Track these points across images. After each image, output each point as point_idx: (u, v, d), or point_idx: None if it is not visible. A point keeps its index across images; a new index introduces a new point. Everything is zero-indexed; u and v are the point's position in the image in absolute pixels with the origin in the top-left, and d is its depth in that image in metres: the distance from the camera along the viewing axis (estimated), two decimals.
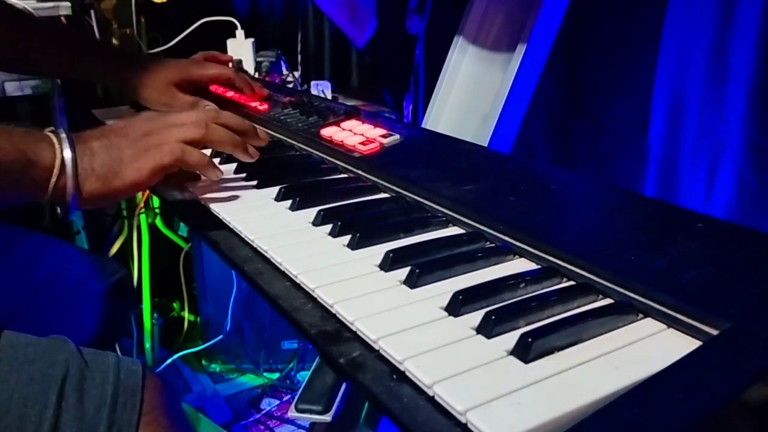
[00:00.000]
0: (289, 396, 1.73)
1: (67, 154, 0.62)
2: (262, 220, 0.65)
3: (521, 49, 0.97)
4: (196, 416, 1.65)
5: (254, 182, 0.75)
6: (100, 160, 0.64)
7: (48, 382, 0.62)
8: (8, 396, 0.60)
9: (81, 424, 0.61)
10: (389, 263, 0.53)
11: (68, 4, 1.48)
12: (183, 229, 1.86)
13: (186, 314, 1.92)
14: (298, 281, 0.53)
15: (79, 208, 0.64)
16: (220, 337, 1.77)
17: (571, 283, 0.50)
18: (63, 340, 0.67)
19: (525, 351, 0.40)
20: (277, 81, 1.57)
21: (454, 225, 0.62)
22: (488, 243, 0.58)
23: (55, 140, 0.62)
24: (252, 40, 1.59)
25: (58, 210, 0.66)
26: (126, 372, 0.66)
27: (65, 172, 0.62)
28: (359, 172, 0.75)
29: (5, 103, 1.47)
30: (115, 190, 0.64)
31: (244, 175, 0.77)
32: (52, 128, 0.64)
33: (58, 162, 0.62)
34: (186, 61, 1.10)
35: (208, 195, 0.71)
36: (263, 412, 1.69)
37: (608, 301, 0.47)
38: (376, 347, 0.43)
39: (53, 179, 0.61)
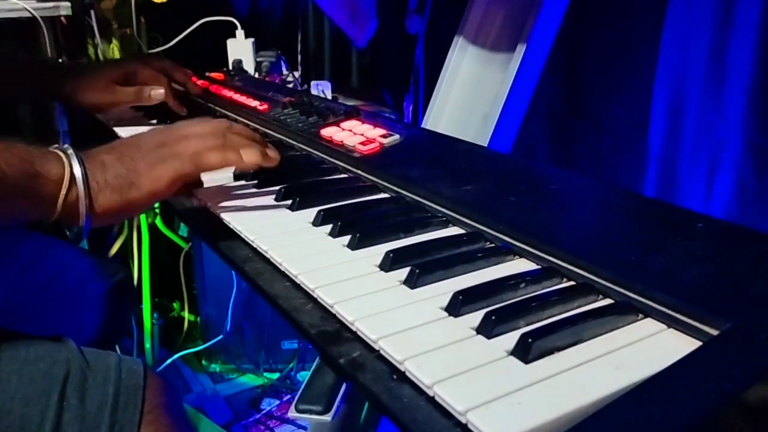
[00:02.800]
0: (289, 396, 1.73)
1: (77, 166, 0.59)
2: (262, 220, 0.65)
3: (521, 49, 0.97)
4: (196, 416, 1.65)
5: (254, 182, 0.75)
6: (113, 171, 0.61)
7: (49, 381, 0.62)
8: (10, 396, 0.60)
9: (83, 424, 0.61)
10: (389, 263, 0.53)
11: (68, 4, 1.48)
12: (183, 229, 1.86)
13: (186, 314, 1.92)
14: (298, 281, 0.53)
15: (94, 226, 0.61)
16: (220, 337, 1.77)
17: (571, 283, 0.50)
18: (64, 339, 0.67)
19: (525, 351, 0.40)
20: (277, 81, 1.57)
21: (454, 225, 0.62)
22: (488, 243, 0.58)
23: (62, 155, 0.60)
24: (252, 40, 1.60)
25: (68, 233, 0.64)
26: (127, 372, 0.66)
27: (76, 185, 0.59)
28: (359, 172, 0.75)
29: (5, 105, 1.47)
30: (131, 202, 0.61)
31: (244, 175, 0.77)
32: (57, 145, 0.61)
33: (67, 175, 0.59)
34: (122, 62, 1.10)
35: (209, 195, 0.71)
36: (263, 412, 1.69)
37: (608, 301, 0.47)
38: (376, 347, 0.43)
39: (63, 192, 0.58)
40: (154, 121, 1.04)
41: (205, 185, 0.71)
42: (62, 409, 0.61)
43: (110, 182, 0.61)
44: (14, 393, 0.61)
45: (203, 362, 1.85)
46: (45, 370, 0.63)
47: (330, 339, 0.46)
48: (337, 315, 0.48)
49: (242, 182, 0.76)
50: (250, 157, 0.68)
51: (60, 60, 1.51)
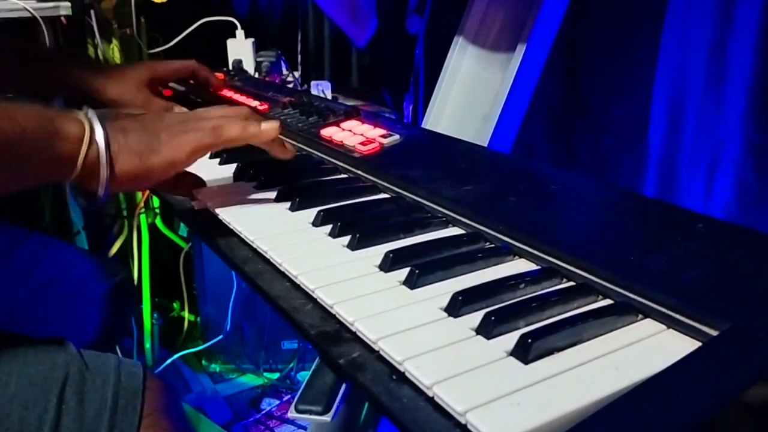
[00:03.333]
0: (289, 396, 1.73)
1: (98, 128, 0.58)
2: (262, 220, 0.65)
3: (521, 49, 0.97)
4: (196, 416, 1.65)
5: (254, 183, 0.75)
6: (135, 136, 0.60)
7: (48, 384, 0.62)
8: (8, 399, 0.60)
9: (81, 427, 0.61)
10: (389, 264, 0.53)
11: (68, 4, 1.48)
12: (183, 229, 1.86)
13: (186, 314, 1.92)
14: (298, 282, 0.53)
15: (112, 190, 0.60)
16: (220, 337, 1.77)
17: (571, 283, 0.50)
18: (63, 342, 0.67)
19: (525, 352, 0.40)
20: (277, 81, 1.57)
21: (453, 225, 0.62)
22: (488, 243, 0.58)
23: (82, 117, 0.59)
24: (252, 40, 1.60)
25: (80, 201, 0.63)
26: (127, 374, 0.66)
27: (96, 145, 0.58)
28: (359, 172, 0.75)
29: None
30: (150, 168, 0.61)
31: (244, 176, 0.77)
32: (75, 110, 0.60)
33: (87, 134, 0.57)
34: (148, 61, 1.09)
35: (209, 196, 0.71)
36: (263, 412, 1.69)
37: (608, 301, 0.47)
38: (376, 348, 0.43)
39: (83, 151, 0.57)
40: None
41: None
42: (61, 413, 0.61)
43: (131, 145, 0.60)
44: (13, 396, 0.61)
45: (203, 362, 1.85)
46: (44, 373, 0.63)
47: (330, 339, 0.46)
48: (336, 315, 0.48)
49: (243, 183, 0.76)
50: (270, 131, 0.68)
51: None
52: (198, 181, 0.72)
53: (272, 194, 0.71)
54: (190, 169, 0.68)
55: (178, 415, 0.69)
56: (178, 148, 0.62)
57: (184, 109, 0.96)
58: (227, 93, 1.11)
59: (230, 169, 0.79)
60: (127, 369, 0.66)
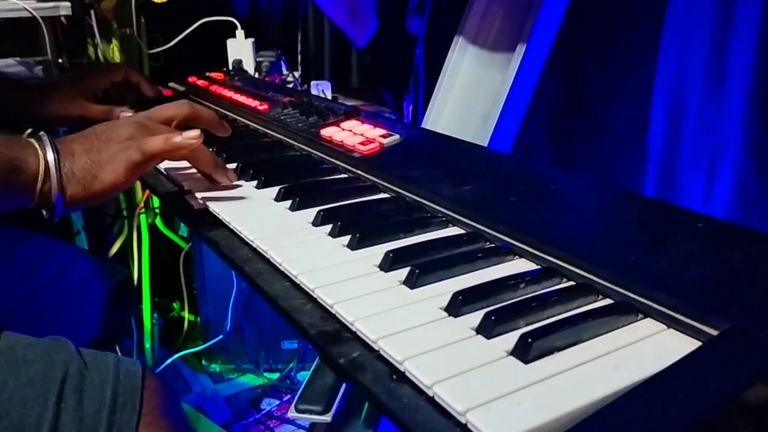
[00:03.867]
0: (289, 396, 1.73)
1: (51, 158, 0.63)
2: (262, 220, 0.65)
3: (521, 49, 0.97)
4: (196, 416, 1.65)
5: (254, 182, 0.75)
6: (80, 163, 0.65)
7: (47, 383, 0.62)
8: (7, 398, 0.60)
9: (80, 426, 0.61)
10: (389, 263, 0.53)
11: (68, 4, 1.48)
12: (183, 229, 1.86)
13: (186, 314, 1.92)
14: (297, 281, 0.53)
15: (65, 212, 0.65)
16: (220, 337, 1.77)
17: (571, 283, 0.50)
18: (62, 341, 0.67)
19: (525, 351, 0.40)
20: (277, 81, 1.57)
21: (454, 225, 0.62)
22: (488, 243, 0.58)
23: (37, 146, 0.63)
24: (252, 40, 1.59)
25: (44, 213, 0.66)
26: (126, 373, 0.66)
27: (50, 177, 0.63)
28: (359, 172, 0.75)
29: None
30: (94, 194, 0.65)
31: (243, 175, 0.77)
32: (32, 131, 0.65)
33: (42, 167, 0.63)
34: (79, 72, 1.09)
35: (208, 195, 0.71)
36: (263, 412, 1.69)
37: (608, 301, 0.47)
38: (376, 347, 0.43)
39: (39, 184, 0.62)
40: None
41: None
42: (60, 411, 0.61)
43: (77, 174, 0.64)
44: (12, 395, 0.61)
45: (203, 362, 1.85)
46: (43, 372, 0.63)
47: (330, 339, 0.46)
48: (336, 315, 0.48)
49: (242, 182, 0.76)
50: (190, 140, 0.70)
51: (60, 60, 1.51)
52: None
53: (272, 194, 0.71)
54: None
55: (177, 414, 0.69)
56: (115, 171, 0.66)
57: (129, 113, 0.96)
58: (227, 93, 1.11)
59: (230, 168, 0.79)
60: (126, 367, 0.67)
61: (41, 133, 0.65)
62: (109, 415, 0.62)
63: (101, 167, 0.65)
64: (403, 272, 0.52)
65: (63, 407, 0.61)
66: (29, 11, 1.42)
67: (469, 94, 1.11)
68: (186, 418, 0.71)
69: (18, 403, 0.60)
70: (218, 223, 0.66)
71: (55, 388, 0.62)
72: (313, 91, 1.56)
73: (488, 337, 0.43)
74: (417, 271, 0.50)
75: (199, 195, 0.72)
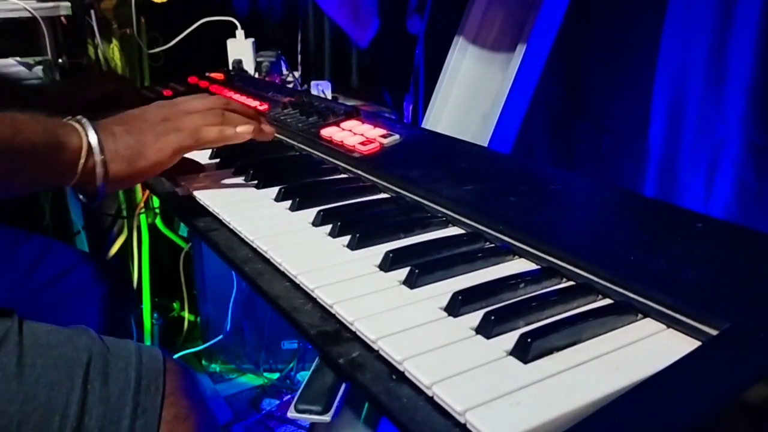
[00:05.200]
0: (289, 396, 1.73)
1: (93, 137, 0.65)
2: (262, 220, 0.65)
3: (521, 49, 0.97)
4: None
5: (254, 183, 0.75)
6: (123, 142, 0.67)
7: (72, 366, 0.63)
8: (35, 380, 0.61)
9: (107, 406, 0.63)
10: (389, 263, 0.53)
11: (68, 4, 1.48)
12: (183, 229, 1.86)
13: (186, 314, 1.92)
14: (297, 281, 0.53)
15: (107, 191, 0.67)
16: (220, 337, 1.77)
17: (571, 283, 0.50)
18: (83, 328, 0.69)
19: (524, 351, 0.40)
20: (277, 81, 1.57)
21: (453, 225, 0.62)
22: (488, 243, 0.58)
23: (78, 126, 0.65)
24: (252, 40, 1.59)
25: (81, 197, 0.68)
26: (148, 357, 0.68)
27: (93, 154, 0.65)
28: (359, 172, 0.75)
29: None
30: (139, 170, 0.68)
31: (243, 175, 0.77)
32: (70, 117, 0.67)
33: (85, 145, 0.64)
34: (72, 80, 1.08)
35: (209, 195, 0.71)
36: (263, 412, 1.69)
37: (608, 301, 0.47)
38: (376, 347, 0.43)
39: (82, 160, 0.64)
40: None
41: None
42: (86, 392, 0.62)
43: (121, 152, 0.67)
44: (39, 377, 0.62)
45: (203, 362, 1.85)
46: (68, 355, 0.64)
47: (329, 339, 0.46)
48: (336, 315, 0.48)
49: (242, 182, 0.76)
50: (245, 133, 0.74)
51: (60, 60, 1.51)
52: (197, 168, 0.78)
53: (272, 194, 0.71)
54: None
55: (198, 395, 0.71)
56: (162, 150, 0.68)
57: None
58: (227, 93, 1.11)
59: (231, 169, 0.79)
60: (148, 352, 0.69)
61: (79, 116, 0.67)
62: (134, 396, 0.64)
63: (146, 146, 0.68)
64: (402, 272, 0.52)
65: (89, 388, 0.63)
66: (29, 11, 1.42)
67: (469, 94, 1.11)
68: (205, 400, 0.73)
69: (45, 386, 0.62)
70: (218, 224, 0.66)
71: (80, 371, 0.63)
72: (313, 91, 1.56)
73: (488, 337, 0.43)
74: (417, 271, 0.50)
75: (199, 194, 0.72)
